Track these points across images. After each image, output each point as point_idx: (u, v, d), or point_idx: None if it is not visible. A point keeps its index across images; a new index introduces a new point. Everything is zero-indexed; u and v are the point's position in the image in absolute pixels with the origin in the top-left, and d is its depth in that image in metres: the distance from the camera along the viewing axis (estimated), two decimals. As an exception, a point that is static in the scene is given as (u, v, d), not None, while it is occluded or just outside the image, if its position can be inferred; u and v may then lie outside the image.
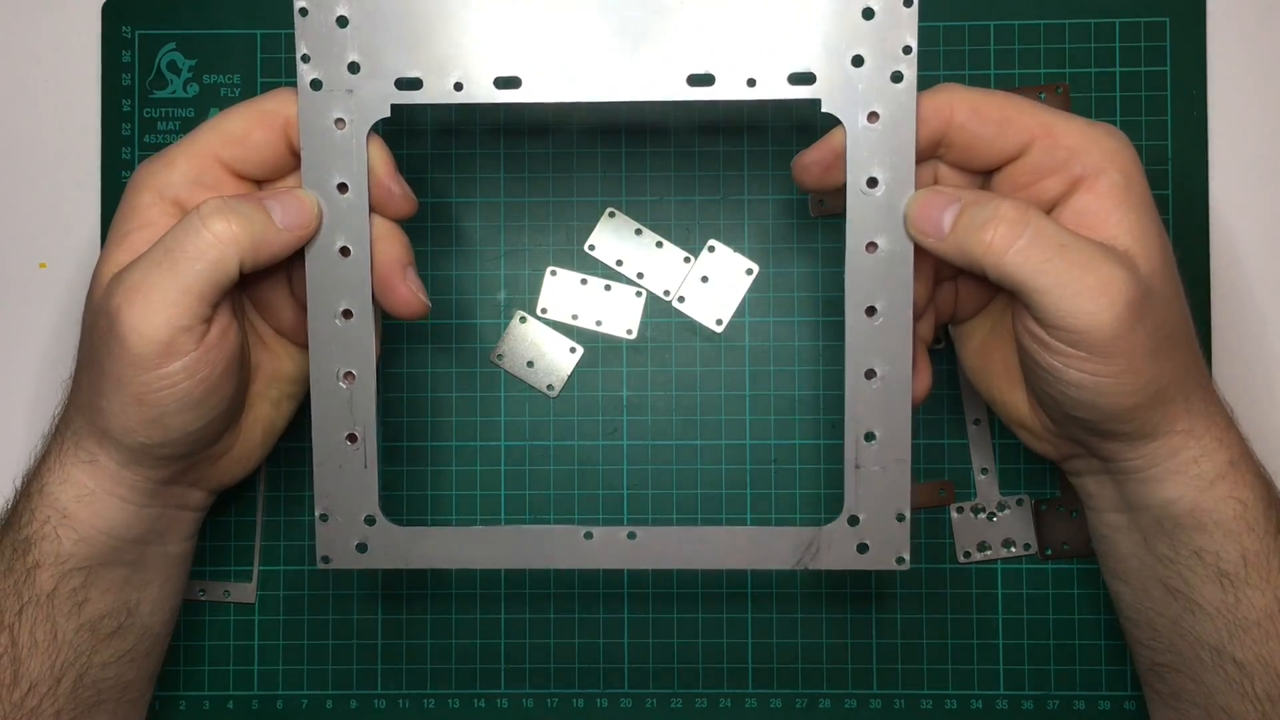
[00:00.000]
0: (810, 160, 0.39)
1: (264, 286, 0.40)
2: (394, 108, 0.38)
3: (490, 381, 0.48)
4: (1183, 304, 0.38)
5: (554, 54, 0.38)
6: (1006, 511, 0.47)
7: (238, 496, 0.47)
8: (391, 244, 0.39)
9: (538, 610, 0.48)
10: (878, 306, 0.38)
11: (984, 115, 0.37)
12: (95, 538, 0.38)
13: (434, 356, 0.48)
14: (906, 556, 0.39)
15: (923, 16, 0.47)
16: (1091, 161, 0.37)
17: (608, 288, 0.47)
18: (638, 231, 0.47)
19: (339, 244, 0.38)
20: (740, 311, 0.47)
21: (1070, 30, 0.47)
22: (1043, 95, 0.47)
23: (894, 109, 0.37)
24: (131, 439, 0.37)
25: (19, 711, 0.37)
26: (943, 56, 0.47)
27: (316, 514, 0.39)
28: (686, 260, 0.47)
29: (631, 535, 0.39)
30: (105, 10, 0.48)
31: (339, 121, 0.38)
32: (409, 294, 0.39)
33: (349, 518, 0.39)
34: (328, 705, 0.47)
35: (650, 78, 0.38)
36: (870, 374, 0.39)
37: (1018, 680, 0.47)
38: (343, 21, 0.38)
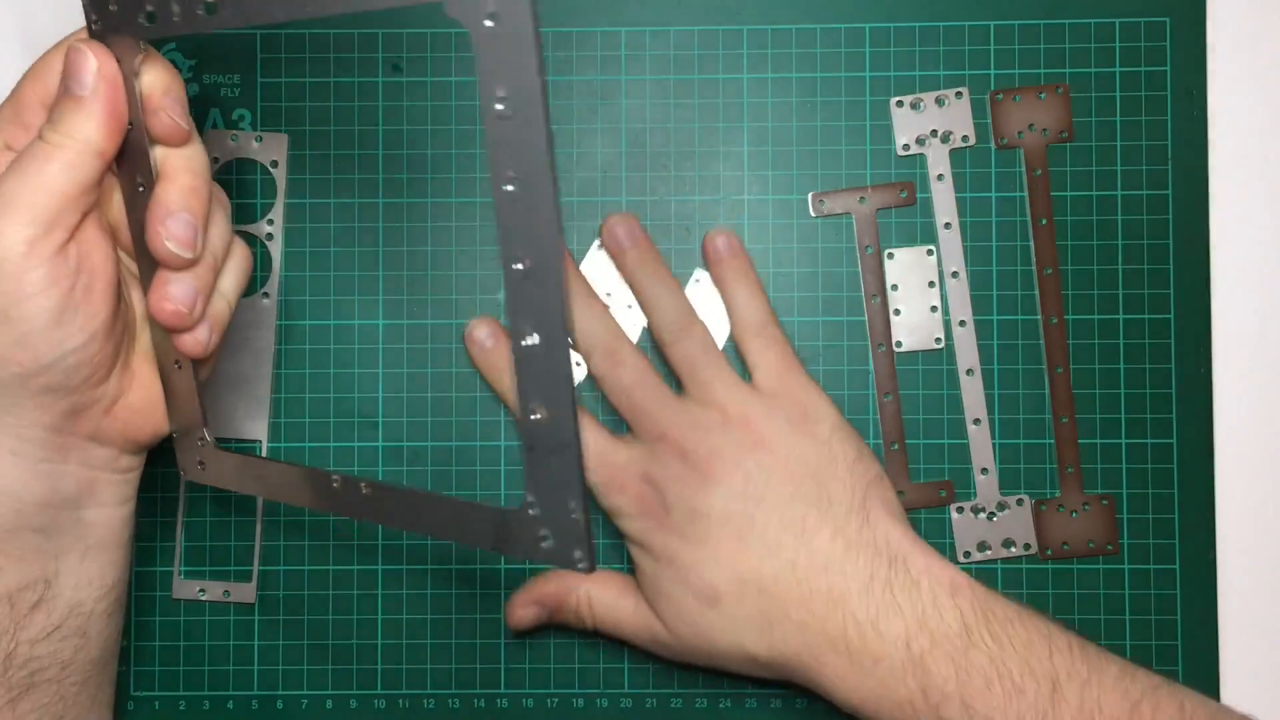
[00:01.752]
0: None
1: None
2: None
3: (490, 381, 0.48)
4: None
5: None
6: (1006, 511, 0.47)
7: (238, 497, 0.47)
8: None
9: (538, 610, 0.48)
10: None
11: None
12: None
13: (434, 356, 0.48)
14: (584, 554, 0.33)
15: (923, 16, 0.47)
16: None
17: (609, 294, 0.47)
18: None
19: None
20: (740, 311, 0.47)
21: (1070, 30, 0.47)
22: (1043, 95, 0.47)
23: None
24: (4, 370, 0.36)
25: None
26: (943, 57, 0.47)
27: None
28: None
29: (367, 488, 0.38)
30: (105, 10, 0.48)
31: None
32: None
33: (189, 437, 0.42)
34: (327, 705, 0.47)
35: None
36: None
37: (1018, 680, 0.47)
38: None
